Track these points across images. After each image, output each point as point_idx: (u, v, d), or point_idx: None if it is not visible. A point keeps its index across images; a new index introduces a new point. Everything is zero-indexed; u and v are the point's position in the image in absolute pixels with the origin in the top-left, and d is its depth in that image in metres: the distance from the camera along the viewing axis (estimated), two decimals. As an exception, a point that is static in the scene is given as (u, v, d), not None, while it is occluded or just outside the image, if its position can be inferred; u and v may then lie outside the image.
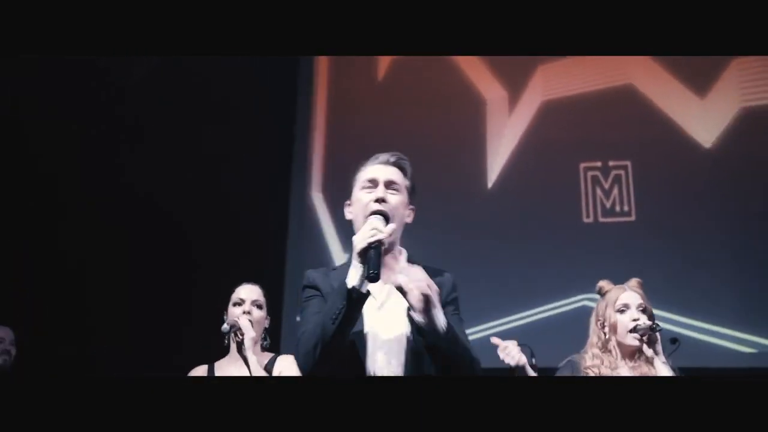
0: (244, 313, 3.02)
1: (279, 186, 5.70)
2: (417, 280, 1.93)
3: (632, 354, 2.82)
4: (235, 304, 3.07)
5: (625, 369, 2.80)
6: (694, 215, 5.09)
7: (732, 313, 4.83)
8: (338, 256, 5.24)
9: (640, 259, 4.96)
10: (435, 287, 1.94)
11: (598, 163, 5.33)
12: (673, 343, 3.80)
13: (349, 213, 2.23)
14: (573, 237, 5.22)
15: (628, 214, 5.23)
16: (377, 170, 2.20)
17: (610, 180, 5.29)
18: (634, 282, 2.96)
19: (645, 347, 2.74)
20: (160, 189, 5.04)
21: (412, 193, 2.25)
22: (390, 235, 2.01)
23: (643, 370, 2.77)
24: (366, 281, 1.95)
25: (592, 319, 2.97)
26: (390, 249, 2.15)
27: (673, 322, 4.71)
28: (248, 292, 3.10)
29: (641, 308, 2.84)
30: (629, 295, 2.88)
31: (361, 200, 2.17)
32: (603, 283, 2.99)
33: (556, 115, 5.52)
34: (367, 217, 2.10)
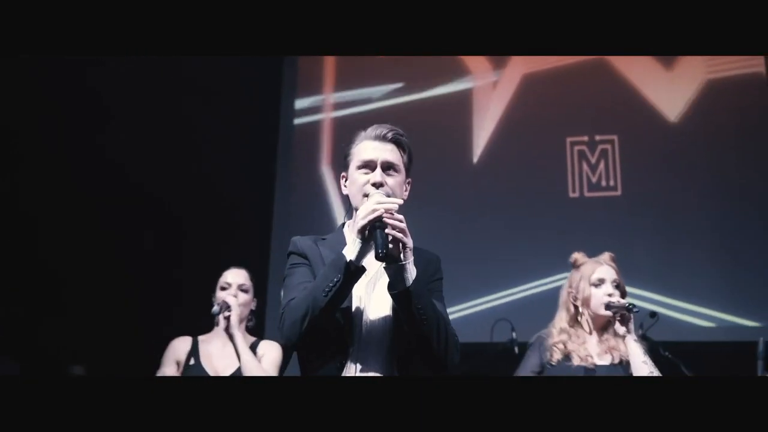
0: (231, 296, 3.06)
1: (266, 166, 5.67)
2: (389, 210, 1.91)
3: (603, 327, 2.81)
4: (222, 288, 3.12)
5: (593, 343, 2.79)
6: (678, 190, 5.09)
7: (708, 290, 4.87)
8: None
9: (626, 234, 4.99)
10: (409, 241, 1.93)
11: (585, 138, 5.32)
12: (652, 317, 3.84)
13: (345, 188, 2.18)
14: (559, 212, 5.21)
15: (614, 188, 5.23)
16: (374, 149, 2.11)
17: (596, 154, 5.28)
18: (607, 256, 2.92)
19: (618, 325, 2.72)
20: (146, 175, 4.99)
21: (410, 166, 2.18)
22: (394, 210, 1.94)
23: (611, 344, 2.76)
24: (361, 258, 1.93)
25: (563, 291, 2.93)
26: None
27: (646, 298, 4.75)
28: (234, 276, 3.14)
29: (615, 284, 2.82)
30: (605, 269, 2.85)
31: (357, 181, 2.11)
32: (577, 255, 2.96)
33: (540, 89, 5.49)
34: (364, 196, 2.05)
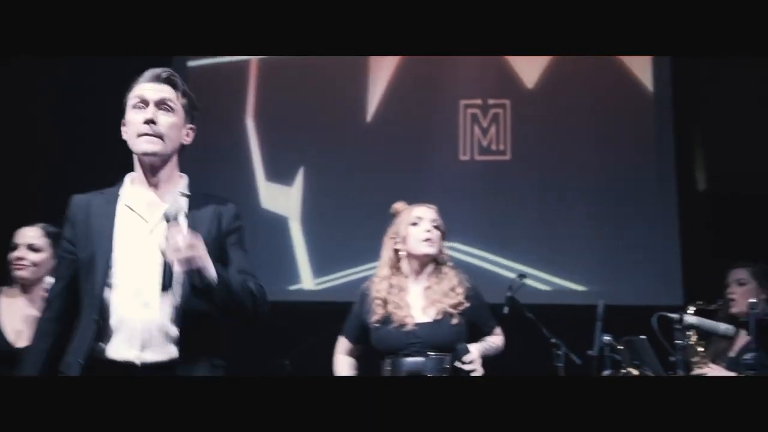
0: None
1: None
2: (174, 249, 1.91)
3: (422, 266, 2.83)
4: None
5: (417, 294, 2.81)
6: (566, 156, 5.17)
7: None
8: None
9: (511, 198, 5.06)
10: (198, 247, 1.93)
11: (479, 101, 5.32)
12: (521, 278, 3.93)
13: (124, 133, 2.17)
14: (450, 173, 5.22)
15: (504, 153, 5.26)
16: (148, 89, 2.12)
17: (489, 118, 5.30)
18: (431, 205, 2.97)
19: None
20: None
21: (190, 111, 2.19)
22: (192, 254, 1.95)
23: (435, 296, 2.79)
24: None
25: (385, 239, 2.96)
26: (171, 177, 2.12)
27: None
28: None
29: (435, 224, 2.85)
30: (424, 209, 2.90)
31: (132, 121, 2.11)
32: (398, 205, 2.98)
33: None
34: (139, 136, 2.06)
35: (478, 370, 2.66)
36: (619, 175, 5.09)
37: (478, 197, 5.13)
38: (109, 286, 2.01)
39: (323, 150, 5.41)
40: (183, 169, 2.23)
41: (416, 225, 2.85)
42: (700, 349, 3.29)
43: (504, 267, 4.99)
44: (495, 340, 2.88)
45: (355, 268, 4.94)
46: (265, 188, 5.49)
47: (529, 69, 5.30)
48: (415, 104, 5.36)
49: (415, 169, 5.23)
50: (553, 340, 3.80)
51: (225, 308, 2.03)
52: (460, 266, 3.08)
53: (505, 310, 3.94)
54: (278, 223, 5.42)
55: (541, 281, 4.98)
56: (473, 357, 2.68)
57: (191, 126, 2.19)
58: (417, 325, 2.75)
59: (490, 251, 5.07)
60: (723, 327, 3.02)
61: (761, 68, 4.61)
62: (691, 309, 3.36)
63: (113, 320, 2.00)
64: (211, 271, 1.97)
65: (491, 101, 5.31)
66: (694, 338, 3.29)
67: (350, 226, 5.15)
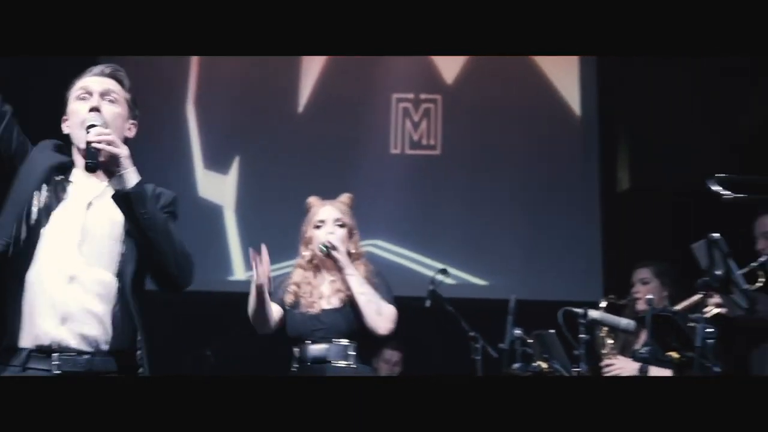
0: None
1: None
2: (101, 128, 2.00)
3: (332, 268, 2.87)
4: None
5: (326, 285, 2.85)
6: (494, 153, 5.27)
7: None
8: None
9: (441, 193, 5.13)
10: (118, 143, 2.01)
11: (411, 95, 5.38)
12: (443, 273, 4.00)
13: (66, 127, 2.16)
14: (380, 166, 5.27)
15: (434, 147, 5.34)
16: (92, 81, 2.15)
17: (420, 113, 5.36)
18: (345, 197, 2.96)
19: (333, 263, 2.80)
20: None
21: (134, 106, 2.21)
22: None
23: (338, 285, 2.82)
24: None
25: (300, 237, 2.98)
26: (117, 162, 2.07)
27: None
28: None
29: (339, 223, 2.86)
30: (327, 210, 2.88)
31: (76, 111, 2.12)
32: (311, 200, 2.98)
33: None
34: (86, 129, 2.03)
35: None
36: (544, 174, 5.20)
37: (406, 191, 5.19)
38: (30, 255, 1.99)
39: (257, 139, 5.40)
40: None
41: (319, 228, 2.86)
42: (610, 341, 3.42)
43: (424, 265, 5.05)
44: (376, 302, 2.81)
45: (288, 261, 4.93)
46: (203, 176, 5.47)
47: (460, 65, 5.37)
48: (348, 96, 5.38)
49: (347, 160, 5.25)
50: (471, 334, 3.90)
51: (144, 235, 2.01)
52: (380, 264, 3.10)
53: (427, 303, 4.02)
54: (214, 212, 5.40)
55: (456, 278, 5.03)
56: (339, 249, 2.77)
57: (134, 121, 2.22)
58: (322, 311, 2.79)
59: (412, 249, 5.13)
60: (624, 322, 3.12)
61: (688, 70, 4.73)
62: (603, 303, 3.49)
63: (36, 294, 1.98)
64: (131, 174, 2.00)
65: (423, 96, 5.38)
66: (604, 331, 3.41)
67: (282, 216, 5.15)
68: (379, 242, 4.81)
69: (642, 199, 5.08)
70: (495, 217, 5.16)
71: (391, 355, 4.62)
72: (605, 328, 3.39)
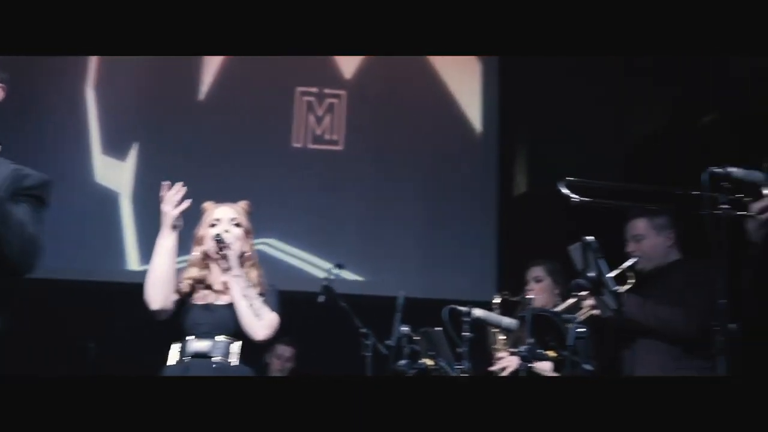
0: None
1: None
2: None
3: (226, 268, 2.83)
4: None
5: (219, 282, 2.81)
6: (396, 152, 5.28)
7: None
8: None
9: (342, 189, 5.12)
10: None
11: (315, 89, 5.33)
12: (338, 267, 4.00)
13: None
14: (281, 160, 5.21)
15: (336, 143, 5.32)
16: None
17: (324, 107, 5.33)
18: (243, 203, 2.92)
19: (221, 261, 2.76)
20: None
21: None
22: None
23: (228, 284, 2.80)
24: None
25: (193, 237, 2.93)
26: None
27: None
28: None
29: (235, 222, 2.83)
30: (223, 210, 2.85)
31: None
32: (206, 204, 2.94)
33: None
34: None
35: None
36: (443, 175, 5.27)
37: (307, 186, 5.14)
38: None
39: (157, 127, 5.24)
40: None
41: (214, 226, 2.82)
42: (502, 337, 3.48)
43: (317, 266, 5.03)
44: (257, 307, 2.78)
45: (184, 256, 4.83)
46: (100, 161, 5.28)
47: (365, 62, 5.36)
48: (251, 87, 5.28)
49: (248, 153, 5.17)
50: (363, 330, 3.90)
51: None
52: (272, 263, 3.05)
53: (321, 298, 3.99)
54: (110, 199, 5.23)
55: (352, 274, 5.04)
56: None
57: (1, 84, 2.13)
58: (210, 306, 2.74)
59: (307, 249, 5.09)
60: (506, 321, 3.17)
61: (589, 74, 4.84)
62: (497, 299, 3.55)
63: None
64: None
65: (327, 90, 5.34)
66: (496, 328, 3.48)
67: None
68: (273, 241, 4.75)
69: (538, 201, 5.20)
70: (394, 215, 5.18)
71: (284, 350, 4.58)
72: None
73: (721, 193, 1.96)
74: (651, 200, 2.48)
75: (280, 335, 4.42)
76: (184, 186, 2.70)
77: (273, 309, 2.76)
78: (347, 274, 4.05)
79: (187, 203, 2.69)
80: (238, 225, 2.82)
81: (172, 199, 2.67)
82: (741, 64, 4.09)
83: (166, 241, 2.68)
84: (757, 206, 1.97)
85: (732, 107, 4.14)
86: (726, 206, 1.95)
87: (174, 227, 2.68)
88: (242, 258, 2.80)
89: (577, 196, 2.35)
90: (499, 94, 5.35)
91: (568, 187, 2.37)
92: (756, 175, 2.00)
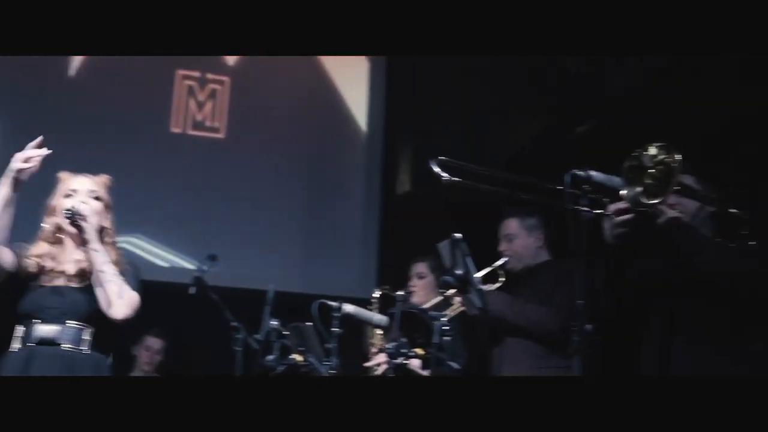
0: None
1: None
2: None
3: (78, 242, 2.65)
4: None
5: (72, 262, 2.62)
6: (280, 144, 5.17)
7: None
8: None
9: (221, 180, 4.96)
10: None
11: (197, 74, 5.13)
12: (211, 259, 3.85)
13: None
14: (157, 145, 4.98)
15: (218, 130, 5.14)
16: None
17: (206, 93, 5.14)
18: (104, 177, 2.73)
19: (76, 236, 2.59)
20: None
21: None
22: None
23: (83, 264, 2.61)
24: None
25: (45, 208, 2.74)
26: None
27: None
28: None
29: (94, 195, 2.64)
30: (81, 180, 2.66)
31: None
32: (62, 173, 2.74)
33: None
34: None
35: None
36: (327, 171, 5.23)
37: (184, 173, 4.93)
38: None
39: (23, 98, 4.85)
40: None
41: (70, 197, 2.62)
42: (379, 332, 3.47)
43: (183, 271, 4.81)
44: (118, 284, 2.62)
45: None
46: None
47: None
48: (128, 63, 4.89)
49: (121, 134, 4.88)
50: (234, 324, 3.77)
51: None
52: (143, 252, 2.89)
53: (192, 290, 3.84)
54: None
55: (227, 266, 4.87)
56: None
57: None
58: (61, 288, 2.55)
59: (177, 247, 4.91)
60: (377, 317, 3.15)
61: (475, 76, 4.89)
62: (377, 293, 3.58)
63: None
64: None
65: (210, 76, 5.15)
66: (371, 323, 3.45)
67: (44, 185, 4.71)
68: (136, 240, 4.55)
69: (421, 200, 5.22)
70: (275, 207, 5.07)
71: (153, 342, 4.42)
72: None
73: (582, 194, 1.99)
74: (518, 190, 2.52)
75: (149, 327, 4.31)
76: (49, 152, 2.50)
77: (133, 288, 2.60)
78: (223, 267, 3.88)
79: (37, 162, 2.49)
80: (97, 198, 2.64)
81: (27, 155, 2.47)
82: (617, 82, 4.27)
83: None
84: (613, 207, 2.03)
85: (607, 117, 4.29)
86: (585, 208, 1.98)
87: (15, 180, 2.46)
88: (101, 233, 2.62)
89: (447, 175, 2.37)
90: (386, 94, 5.33)
91: (440, 166, 2.39)
92: (615, 180, 2.06)
